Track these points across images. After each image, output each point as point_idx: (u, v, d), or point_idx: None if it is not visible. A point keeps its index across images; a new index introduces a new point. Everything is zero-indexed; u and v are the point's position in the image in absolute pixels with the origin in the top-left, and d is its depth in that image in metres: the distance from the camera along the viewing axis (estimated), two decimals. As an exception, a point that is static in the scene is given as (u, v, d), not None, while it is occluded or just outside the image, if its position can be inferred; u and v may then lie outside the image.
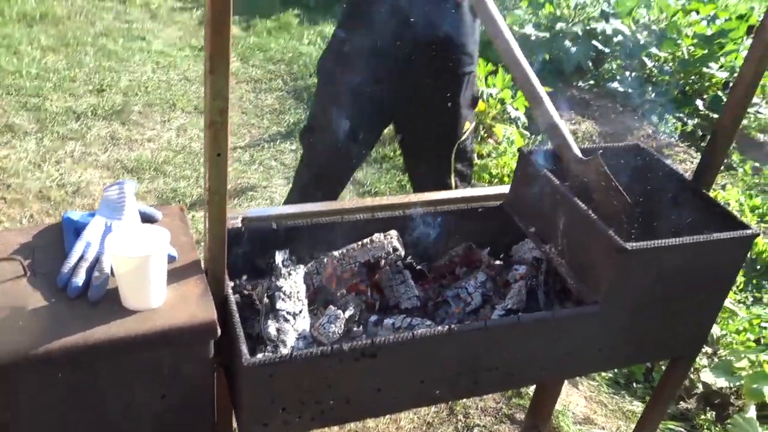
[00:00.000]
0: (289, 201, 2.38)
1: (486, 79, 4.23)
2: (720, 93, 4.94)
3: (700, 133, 4.72)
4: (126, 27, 5.33)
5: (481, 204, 1.71)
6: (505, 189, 1.73)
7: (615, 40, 5.09)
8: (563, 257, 1.48)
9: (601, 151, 1.51)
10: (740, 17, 5.30)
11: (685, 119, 4.82)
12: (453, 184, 2.26)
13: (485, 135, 4.17)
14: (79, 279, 1.17)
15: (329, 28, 5.66)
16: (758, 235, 1.44)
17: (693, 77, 5.06)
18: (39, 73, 4.40)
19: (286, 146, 4.01)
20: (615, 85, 4.94)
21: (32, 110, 3.98)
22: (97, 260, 1.21)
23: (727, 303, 2.86)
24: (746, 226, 1.44)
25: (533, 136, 4.33)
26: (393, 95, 2.08)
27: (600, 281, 1.38)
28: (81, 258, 1.20)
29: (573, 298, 1.49)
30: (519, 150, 1.61)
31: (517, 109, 4.24)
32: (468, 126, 2.20)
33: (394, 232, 1.54)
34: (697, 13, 5.38)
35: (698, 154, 4.48)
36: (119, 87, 4.40)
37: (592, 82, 5.11)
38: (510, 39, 1.55)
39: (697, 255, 1.41)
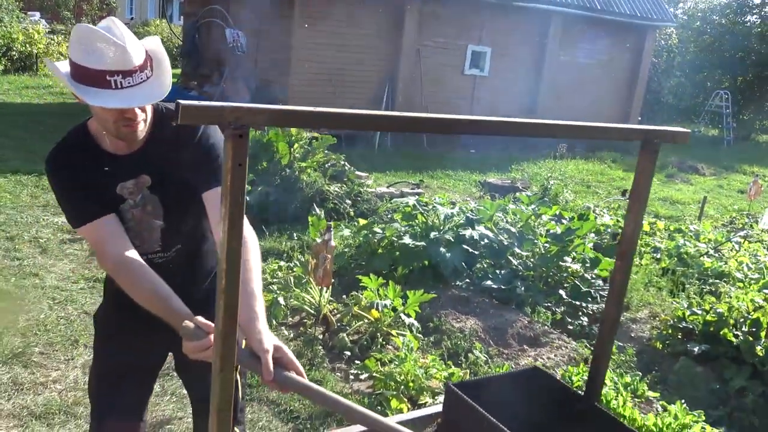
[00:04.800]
0: None
1: (378, 290, 4.66)
2: (578, 282, 5.67)
3: (568, 320, 5.34)
4: (17, 264, 5.38)
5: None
6: (428, 411, 2.02)
7: (482, 243, 5.78)
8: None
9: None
10: (581, 217, 6.23)
11: (554, 308, 5.45)
12: None
13: (383, 342, 4.51)
14: None
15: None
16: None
17: (553, 270, 5.79)
18: (-71, 321, 4.32)
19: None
20: (489, 282, 5.54)
21: (-75, 363, 3.88)
22: None
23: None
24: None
25: (426, 338, 4.73)
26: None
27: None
28: None
29: None
30: (445, 385, 1.94)
31: (409, 316, 4.65)
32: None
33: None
34: (545, 215, 6.26)
35: (570, 338, 5.05)
36: (17, 328, 4.39)
37: (468, 281, 5.69)
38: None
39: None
